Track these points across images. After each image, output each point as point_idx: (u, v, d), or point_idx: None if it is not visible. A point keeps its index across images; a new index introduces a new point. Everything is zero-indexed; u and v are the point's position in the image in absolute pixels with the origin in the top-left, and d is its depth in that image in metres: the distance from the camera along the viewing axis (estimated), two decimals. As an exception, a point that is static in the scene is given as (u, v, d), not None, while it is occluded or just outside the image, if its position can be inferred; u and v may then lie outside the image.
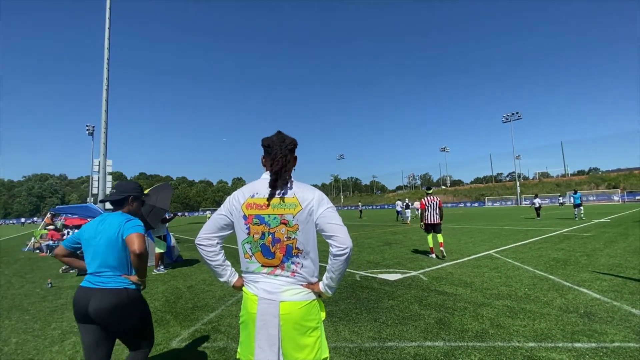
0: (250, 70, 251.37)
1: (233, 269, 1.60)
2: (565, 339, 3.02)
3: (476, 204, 57.35)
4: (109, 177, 16.80)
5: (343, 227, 1.41)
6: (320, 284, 1.49)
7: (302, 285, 1.46)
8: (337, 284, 1.48)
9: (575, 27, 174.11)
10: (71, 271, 7.37)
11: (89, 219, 12.51)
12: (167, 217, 7.43)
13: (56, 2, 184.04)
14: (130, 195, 2.19)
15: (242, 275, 1.56)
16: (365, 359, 2.82)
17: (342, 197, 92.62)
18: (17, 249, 12.79)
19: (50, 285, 5.99)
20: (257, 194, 1.48)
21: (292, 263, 1.44)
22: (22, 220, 74.18)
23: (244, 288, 1.54)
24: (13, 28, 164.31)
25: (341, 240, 1.37)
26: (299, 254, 1.44)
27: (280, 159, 1.47)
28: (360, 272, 6.14)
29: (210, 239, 1.54)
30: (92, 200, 26.93)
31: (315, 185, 1.62)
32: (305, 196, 1.44)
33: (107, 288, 1.91)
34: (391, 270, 6.30)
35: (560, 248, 8.03)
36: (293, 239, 1.42)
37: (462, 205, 59.01)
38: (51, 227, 13.34)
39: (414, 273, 5.94)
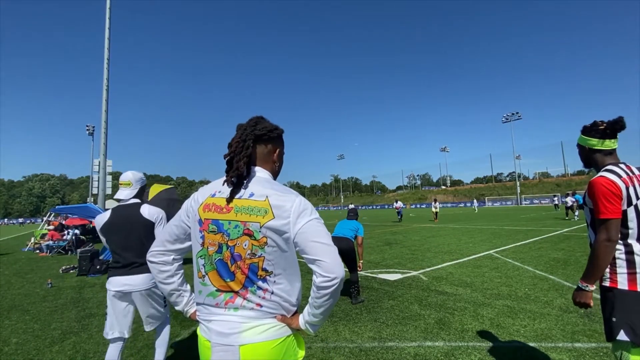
0: (251, 71, 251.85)
1: (192, 295, 1.28)
2: (565, 339, 3.02)
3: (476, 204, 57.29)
4: (109, 177, 16.80)
5: (331, 247, 1.05)
6: (300, 318, 1.11)
7: (272, 318, 1.08)
8: (321, 321, 1.12)
9: (576, 26, 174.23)
10: (71, 271, 7.37)
11: (89, 219, 12.50)
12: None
13: (56, 2, 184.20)
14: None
15: (196, 305, 1.19)
16: (365, 359, 2.82)
17: (342, 197, 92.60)
18: (17, 249, 12.79)
19: (50, 285, 5.99)
20: (219, 192, 1.14)
21: (259, 289, 1.07)
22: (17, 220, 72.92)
23: (198, 328, 1.18)
24: (13, 28, 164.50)
25: (327, 267, 1.02)
26: (267, 278, 1.07)
27: (235, 143, 1.14)
28: (360, 272, 6.14)
29: (164, 254, 1.22)
30: (92, 200, 26.93)
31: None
32: (281, 202, 1.07)
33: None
34: (391, 270, 6.30)
35: (560, 248, 8.02)
36: (259, 256, 1.06)
37: (462, 205, 58.99)
38: (51, 227, 13.35)
39: (414, 273, 5.94)
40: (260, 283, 1.07)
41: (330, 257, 1.03)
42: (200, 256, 1.13)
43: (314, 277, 1.04)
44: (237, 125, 1.21)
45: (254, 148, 1.17)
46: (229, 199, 1.10)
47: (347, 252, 4.31)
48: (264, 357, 1.05)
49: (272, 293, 1.08)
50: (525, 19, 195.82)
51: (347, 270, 4.47)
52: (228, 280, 1.08)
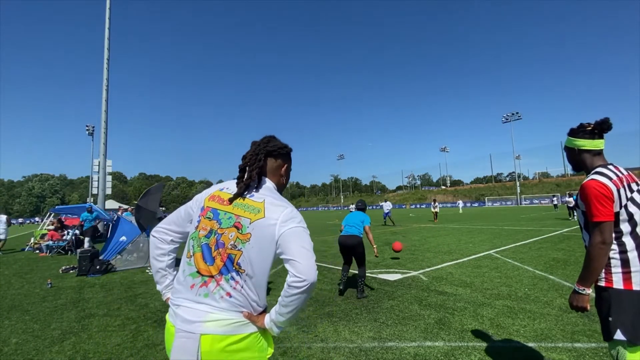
0: (251, 71, 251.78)
1: (174, 281, 1.33)
2: (565, 339, 3.02)
3: (476, 204, 57.34)
4: (109, 177, 16.80)
5: (309, 252, 1.12)
6: (267, 316, 1.17)
7: (238, 313, 1.13)
8: (287, 321, 1.16)
9: (576, 27, 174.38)
10: (71, 271, 7.37)
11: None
12: (164, 217, 7.45)
13: (56, 2, 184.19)
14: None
15: (175, 285, 1.25)
16: (365, 359, 2.81)
17: (342, 197, 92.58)
18: (17, 249, 12.79)
19: (50, 285, 5.98)
20: (227, 189, 1.29)
21: (232, 279, 1.14)
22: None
23: (167, 313, 1.23)
24: (13, 28, 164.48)
25: (300, 268, 1.08)
26: (240, 273, 1.14)
27: (250, 156, 1.30)
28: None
29: (166, 232, 1.33)
30: (92, 200, 26.92)
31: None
32: (274, 206, 1.19)
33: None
34: (391, 270, 6.30)
35: (560, 248, 8.03)
36: (238, 250, 1.15)
37: (464, 205, 59.01)
38: (51, 227, 13.34)
39: (414, 273, 5.95)
40: (234, 274, 1.15)
41: (305, 260, 1.09)
42: (192, 238, 1.24)
43: (288, 276, 1.10)
44: (251, 142, 1.37)
45: (265, 162, 1.32)
46: (233, 198, 1.23)
47: (354, 247, 4.72)
48: (223, 349, 1.09)
49: (242, 287, 1.15)
50: (526, 19, 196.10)
51: (349, 266, 4.66)
52: (209, 264, 1.17)
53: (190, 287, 1.17)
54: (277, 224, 1.15)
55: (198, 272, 1.18)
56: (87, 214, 10.90)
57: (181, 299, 1.17)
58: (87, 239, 10.66)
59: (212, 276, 1.16)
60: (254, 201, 1.21)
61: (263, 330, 1.18)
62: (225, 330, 1.10)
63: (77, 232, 11.64)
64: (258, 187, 1.27)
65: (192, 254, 1.21)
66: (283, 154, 1.37)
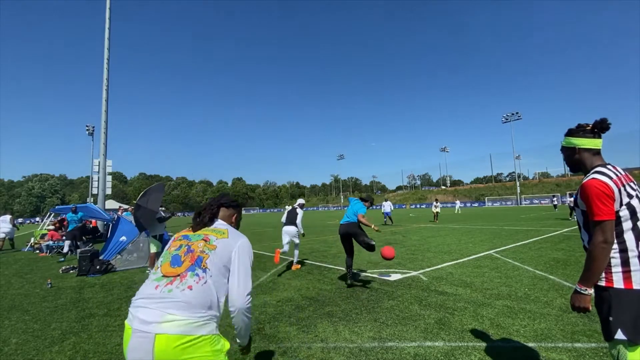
0: (251, 71, 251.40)
1: None
2: (565, 339, 3.02)
3: (476, 204, 57.35)
4: (109, 177, 16.80)
5: (243, 282, 1.44)
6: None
7: (196, 311, 1.26)
8: (243, 337, 1.54)
9: (576, 27, 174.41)
10: (71, 271, 7.37)
11: (88, 219, 12.40)
12: (164, 217, 7.44)
13: (56, 2, 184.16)
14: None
15: (137, 292, 1.39)
16: (365, 359, 2.82)
17: (342, 197, 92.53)
18: (17, 249, 12.79)
19: (50, 285, 5.98)
20: (192, 228, 1.63)
21: (196, 275, 1.34)
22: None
23: (126, 319, 1.36)
24: (13, 28, 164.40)
25: (231, 298, 1.42)
26: (207, 270, 1.38)
27: (205, 206, 1.68)
28: (361, 272, 6.14)
29: None
30: (92, 200, 26.91)
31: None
32: (235, 234, 1.56)
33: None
34: (391, 270, 6.30)
35: (560, 248, 8.03)
36: (206, 253, 1.41)
37: (462, 205, 59.05)
38: (51, 227, 13.34)
39: (414, 273, 5.94)
40: (200, 271, 1.37)
41: (236, 290, 1.42)
42: (162, 256, 1.48)
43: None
44: (209, 199, 1.76)
45: (219, 210, 1.69)
46: (194, 228, 1.57)
47: (350, 233, 5.22)
48: (176, 347, 1.18)
49: (205, 282, 1.35)
50: (526, 19, 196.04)
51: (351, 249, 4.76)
52: (176, 266, 1.38)
53: (155, 288, 1.32)
54: (236, 244, 1.50)
55: (164, 276, 1.36)
56: (72, 214, 10.47)
57: (140, 300, 1.30)
58: (79, 243, 10.29)
59: (177, 275, 1.34)
60: (219, 228, 1.56)
61: (218, 335, 1.35)
62: (181, 331, 1.21)
63: (77, 232, 11.56)
64: (215, 223, 1.60)
65: (159, 266, 1.42)
66: (233, 205, 1.75)
